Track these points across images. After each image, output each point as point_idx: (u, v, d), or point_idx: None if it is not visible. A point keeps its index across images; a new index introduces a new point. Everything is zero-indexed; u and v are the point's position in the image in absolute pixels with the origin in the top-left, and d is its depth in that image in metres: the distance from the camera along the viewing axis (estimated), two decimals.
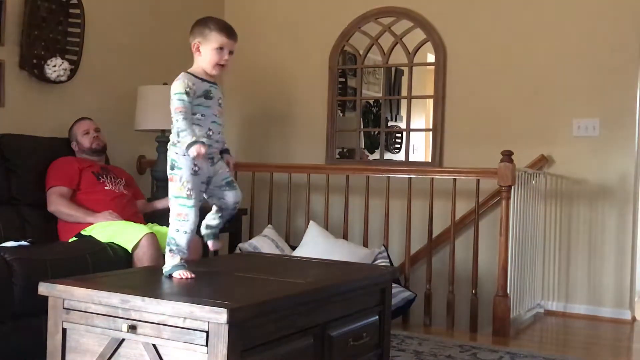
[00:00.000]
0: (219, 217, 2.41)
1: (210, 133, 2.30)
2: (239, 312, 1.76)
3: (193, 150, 2.18)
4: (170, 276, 2.24)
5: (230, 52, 2.34)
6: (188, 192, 2.24)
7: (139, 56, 4.77)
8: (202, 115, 2.28)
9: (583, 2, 4.56)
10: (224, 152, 2.42)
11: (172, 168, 2.26)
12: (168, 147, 2.28)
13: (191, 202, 2.25)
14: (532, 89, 4.66)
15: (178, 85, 2.24)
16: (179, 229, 2.26)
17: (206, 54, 2.32)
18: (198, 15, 2.50)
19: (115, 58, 4.60)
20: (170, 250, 2.26)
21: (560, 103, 4.59)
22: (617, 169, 4.46)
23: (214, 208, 2.41)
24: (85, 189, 3.66)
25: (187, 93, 2.23)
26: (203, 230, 2.41)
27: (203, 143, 2.20)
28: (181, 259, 2.26)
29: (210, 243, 2.44)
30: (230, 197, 2.38)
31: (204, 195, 2.36)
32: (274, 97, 5.42)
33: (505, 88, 4.74)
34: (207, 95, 2.30)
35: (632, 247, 4.44)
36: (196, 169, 2.25)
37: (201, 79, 2.31)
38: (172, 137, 2.26)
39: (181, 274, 2.22)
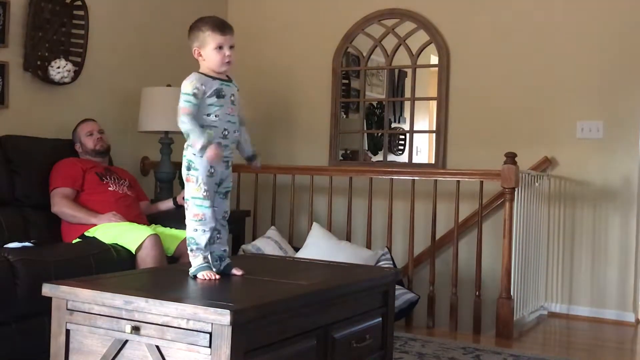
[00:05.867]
0: (218, 242, 2.32)
1: (227, 133, 2.27)
2: (242, 313, 1.76)
3: (208, 153, 2.15)
4: (195, 277, 2.22)
5: (231, 47, 2.29)
6: (204, 194, 2.24)
7: (142, 57, 4.78)
8: (216, 115, 2.24)
9: (587, 5, 4.55)
10: (252, 158, 2.38)
11: (189, 169, 2.25)
12: (185, 147, 2.26)
13: (207, 203, 2.24)
14: (535, 90, 4.65)
15: (187, 85, 2.22)
16: (197, 228, 2.24)
17: (208, 56, 2.28)
18: (202, 16, 2.47)
19: (119, 59, 4.60)
20: (192, 250, 2.26)
21: (564, 105, 4.58)
22: (621, 171, 4.45)
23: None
24: (88, 190, 3.66)
25: (194, 95, 2.20)
26: (216, 264, 2.30)
27: (219, 144, 2.20)
28: (204, 259, 2.24)
29: (232, 271, 2.33)
30: (222, 206, 2.33)
31: None
32: (277, 99, 5.42)
33: (509, 90, 4.73)
34: (218, 94, 2.25)
35: (635, 249, 4.43)
36: (212, 170, 2.24)
37: (212, 77, 2.27)
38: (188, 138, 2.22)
39: (205, 275, 2.21)
